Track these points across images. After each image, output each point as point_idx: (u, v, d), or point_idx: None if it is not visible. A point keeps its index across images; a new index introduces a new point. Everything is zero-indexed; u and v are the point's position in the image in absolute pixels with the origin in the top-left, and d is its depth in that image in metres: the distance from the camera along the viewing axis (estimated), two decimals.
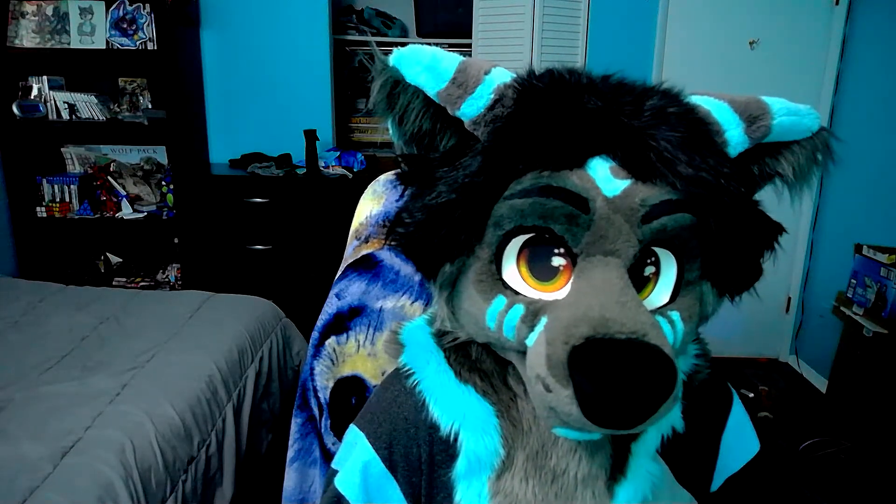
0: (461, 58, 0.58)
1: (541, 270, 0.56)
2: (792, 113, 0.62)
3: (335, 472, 0.69)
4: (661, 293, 0.58)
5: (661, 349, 0.49)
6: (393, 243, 0.59)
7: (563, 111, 0.54)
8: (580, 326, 0.50)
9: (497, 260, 0.57)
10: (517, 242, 0.56)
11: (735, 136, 0.59)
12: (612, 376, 0.48)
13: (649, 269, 0.57)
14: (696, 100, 0.61)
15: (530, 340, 0.55)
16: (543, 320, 0.55)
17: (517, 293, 0.56)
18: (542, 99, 0.55)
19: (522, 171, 0.54)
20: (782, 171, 0.63)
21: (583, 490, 0.62)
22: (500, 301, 0.57)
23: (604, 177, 0.54)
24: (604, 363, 0.48)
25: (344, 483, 0.67)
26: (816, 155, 0.63)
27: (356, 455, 0.68)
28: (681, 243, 0.57)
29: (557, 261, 0.56)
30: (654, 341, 0.50)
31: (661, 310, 0.58)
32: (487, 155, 0.54)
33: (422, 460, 0.66)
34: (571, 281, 0.55)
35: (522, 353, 0.57)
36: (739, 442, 0.74)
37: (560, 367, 0.50)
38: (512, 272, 0.57)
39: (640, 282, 0.57)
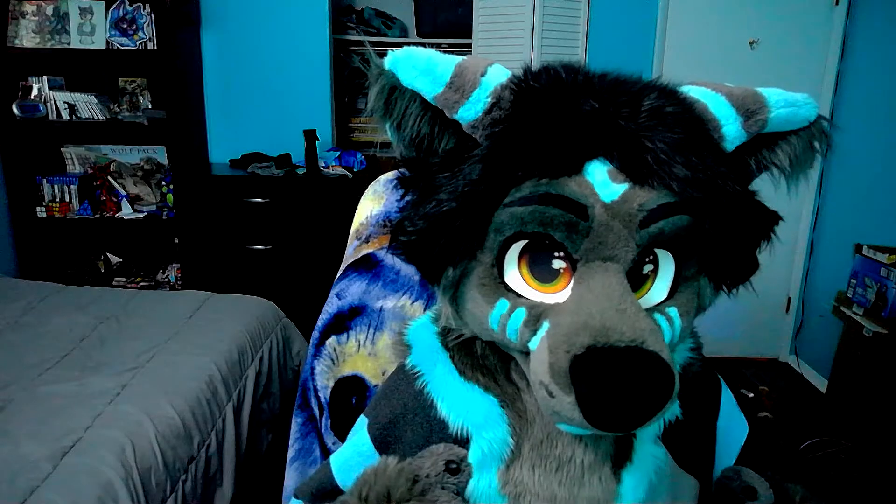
0: (458, 59, 0.58)
1: (542, 272, 0.57)
2: (789, 104, 0.62)
3: None
4: (659, 290, 0.59)
5: (660, 355, 0.51)
6: (396, 251, 0.60)
7: (560, 115, 0.54)
8: (581, 335, 0.52)
9: (499, 264, 0.58)
10: (518, 247, 0.57)
11: (732, 131, 0.59)
12: (612, 384, 0.50)
13: (647, 268, 0.58)
14: (693, 92, 0.61)
15: (533, 344, 0.57)
16: (545, 325, 0.56)
17: (519, 296, 0.58)
18: (539, 102, 0.55)
19: (521, 178, 0.55)
20: (779, 162, 0.63)
21: (590, 476, 0.63)
22: (503, 305, 0.58)
23: (602, 181, 0.54)
24: (604, 371, 0.50)
25: (335, 457, 0.73)
26: (813, 143, 0.63)
27: (354, 437, 0.73)
28: (678, 243, 0.57)
29: (558, 264, 0.57)
30: (653, 347, 0.51)
31: (659, 307, 0.58)
32: (486, 163, 0.55)
33: (420, 447, 0.67)
34: (571, 286, 0.56)
35: (525, 353, 0.58)
36: (733, 425, 0.76)
37: (562, 375, 0.52)
38: (514, 275, 0.58)
39: (639, 280, 0.58)
